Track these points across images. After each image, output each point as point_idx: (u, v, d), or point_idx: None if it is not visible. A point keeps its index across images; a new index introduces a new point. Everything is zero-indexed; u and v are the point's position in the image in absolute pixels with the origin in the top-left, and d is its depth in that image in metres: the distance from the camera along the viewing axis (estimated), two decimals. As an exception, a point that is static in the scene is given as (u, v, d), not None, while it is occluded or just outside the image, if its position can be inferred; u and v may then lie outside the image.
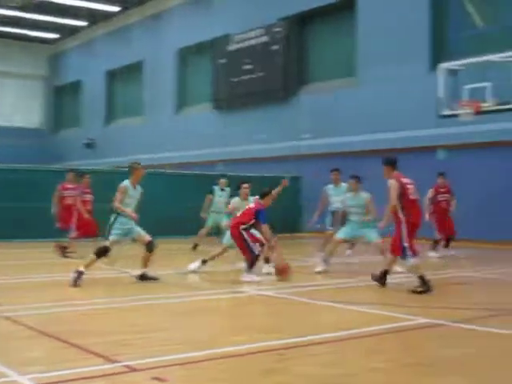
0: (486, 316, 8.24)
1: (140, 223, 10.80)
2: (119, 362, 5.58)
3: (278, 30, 27.61)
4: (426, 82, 21.03)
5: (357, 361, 5.85)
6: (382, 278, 10.51)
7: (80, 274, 10.12)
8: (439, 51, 22.26)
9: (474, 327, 7.33)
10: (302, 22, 27.63)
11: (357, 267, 13.77)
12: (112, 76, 39.17)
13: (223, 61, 30.20)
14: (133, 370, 5.36)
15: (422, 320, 7.70)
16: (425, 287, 9.80)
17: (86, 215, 15.49)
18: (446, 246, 16.26)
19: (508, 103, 15.57)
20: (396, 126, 22.57)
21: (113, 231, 10.61)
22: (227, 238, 12.24)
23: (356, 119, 24.22)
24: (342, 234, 12.50)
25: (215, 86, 30.78)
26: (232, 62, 29.57)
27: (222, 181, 17.39)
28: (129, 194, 10.68)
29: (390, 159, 10.51)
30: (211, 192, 17.21)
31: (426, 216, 15.18)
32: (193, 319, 7.79)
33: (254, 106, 27.79)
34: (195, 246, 17.01)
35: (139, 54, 35.44)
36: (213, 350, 6.07)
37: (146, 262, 10.82)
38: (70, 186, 15.90)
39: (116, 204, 10.54)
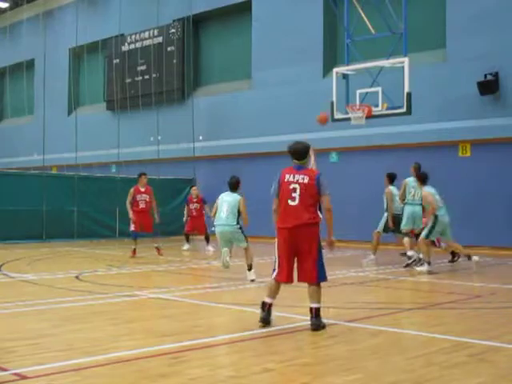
0: (380, 315, 8.45)
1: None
2: (7, 370, 5.39)
3: (173, 30, 27.51)
4: (320, 86, 21.42)
5: (251, 362, 5.87)
6: None
7: None
8: (333, 55, 22.76)
9: (366, 326, 7.52)
10: (198, 23, 27.63)
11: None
12: (1, 74, 37.91)
13: (117, 61, 29.82)
14: (23, 377, 5.19)
15: (315, 320, 7.81)
16: None
17: None
18: None
19: (398, 108, 16.00)
20: (291, 128, 22.82)
21: None
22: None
23: (251, 122, 24.38)
24: None
25: (109, 86, 30.35)
26: (126, 62, 29.25)
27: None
28: None
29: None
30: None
31: None
32: (86, 324, 7.60)
33: (148, 107, 27.51)
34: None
35: (30, 52, 34.39)
36: (107, 354, 5.97)
37: None
38: None
39: None
